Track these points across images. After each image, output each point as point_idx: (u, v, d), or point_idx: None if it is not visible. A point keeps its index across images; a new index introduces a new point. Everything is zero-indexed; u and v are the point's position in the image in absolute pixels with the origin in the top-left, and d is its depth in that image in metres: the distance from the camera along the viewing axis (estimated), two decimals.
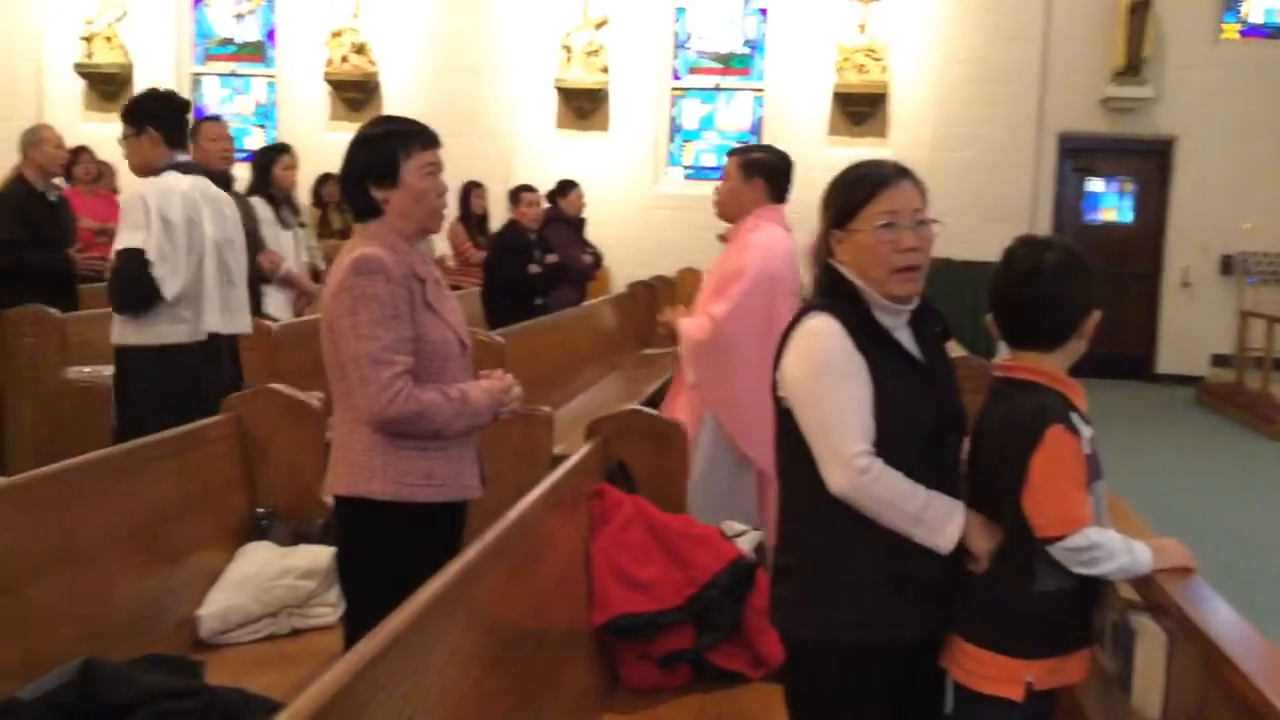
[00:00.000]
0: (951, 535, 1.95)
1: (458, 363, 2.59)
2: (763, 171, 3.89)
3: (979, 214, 9.77)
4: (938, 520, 1.95)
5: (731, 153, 4.02)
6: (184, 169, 3.98)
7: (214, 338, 3.97)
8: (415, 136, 2.55)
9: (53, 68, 11.48)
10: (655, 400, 6.88)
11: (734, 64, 11.37)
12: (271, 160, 6.13)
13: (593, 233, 8.26)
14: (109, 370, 5.46)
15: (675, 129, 11.44)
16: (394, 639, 1.82)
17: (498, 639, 2.29)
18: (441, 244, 8.67)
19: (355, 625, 2.47)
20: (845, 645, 2.00)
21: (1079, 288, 1.98)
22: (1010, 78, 10.49)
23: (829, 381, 1.97)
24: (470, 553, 2.27)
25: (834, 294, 2.05)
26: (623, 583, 2.89)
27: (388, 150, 2.51)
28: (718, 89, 11.38)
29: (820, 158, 9.08)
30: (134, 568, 2.95)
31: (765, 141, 11.05)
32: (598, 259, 8.05)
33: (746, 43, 11.33)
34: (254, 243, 5.41)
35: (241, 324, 4.20)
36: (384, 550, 2.48)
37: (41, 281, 5.51)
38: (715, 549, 3.03)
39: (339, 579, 2.69)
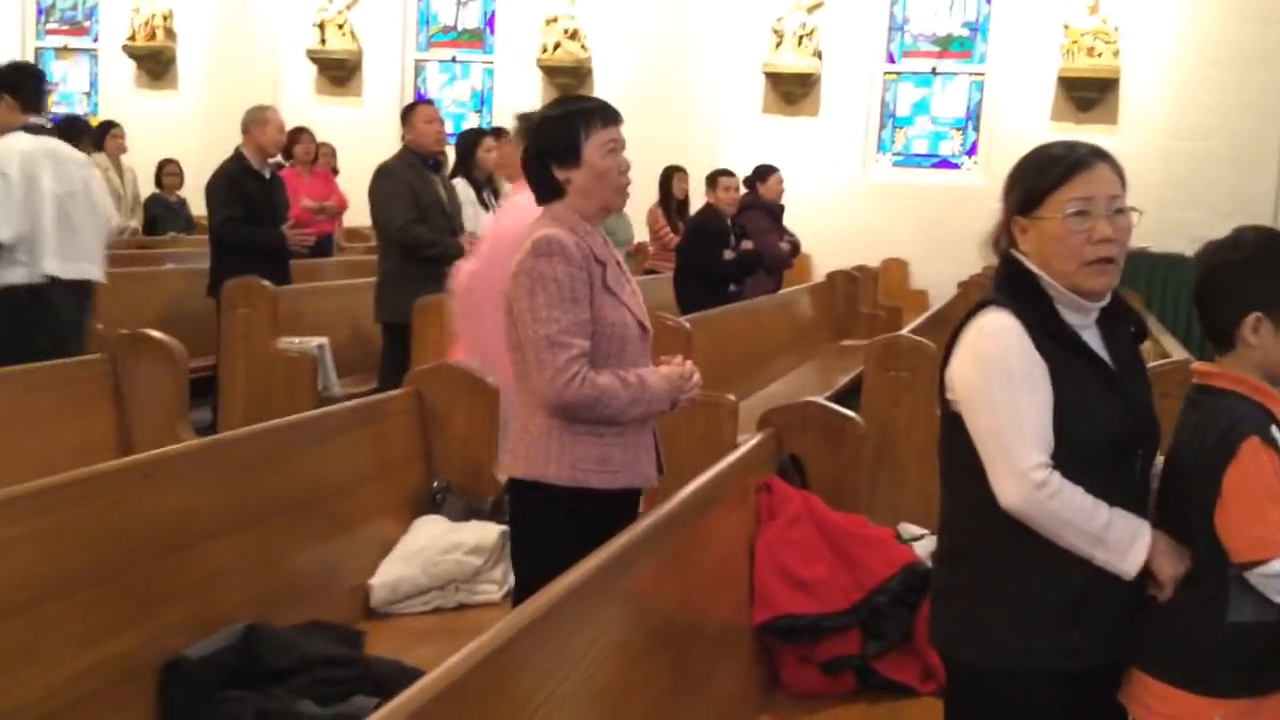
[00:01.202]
0: (1136, 558, 1.75)
1: (636, 347, 2.53)
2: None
3: (1216, 209, 9.05)
4: (1121, 541, 1.75)
5: (517, 116, 3.94)
6: (33, 130, 4.57)
7: (55, 281, 4.52)
8: (595, 114, 2.51)
9: (287, 54, 12.10)
10: (848, 394, 6.71)
11: (953, 47, 10.93)
12: (474, 143, 6.24)
13: (794, 219, 8.09)
14: (317, 340, 5.74)
15: (887, 114, 11.10)
16: (542, 614, 1.80)
17: (650, 626, 2.23)
18: (640, 228, 8.68)
19: (524, 599, 2.47)
20: (1010, 672, 1.82)
21: (1246, 285, 1.76)
22: (1256, 63, 9.67)
23: (1005, 385, 1.79)
24: (626, 537, 2.22)
25: (1013, 288, 1.87)
26: (787, 581, 2.77)
27: (568, 129, 2.48)
28: (934, 73, 10.96)
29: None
30: (312, 534, 3.03)
31: (984, 127, 10.62)
32: (795, 246, 7.88)
33: (966, 24, 10.87)
34: (456, 224, 5.53)
35: (87, 270, 4.73)
36: (556, 534, 2.45)
37: (256, 256, 5.80)
38: (887, 552, 2.88)
39: (511, 558, 2.69)
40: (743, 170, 7.56)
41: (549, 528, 2.46)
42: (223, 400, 5.67)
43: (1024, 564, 1.80)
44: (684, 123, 10.67)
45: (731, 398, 4.61)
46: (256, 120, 5.88)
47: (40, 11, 12.93)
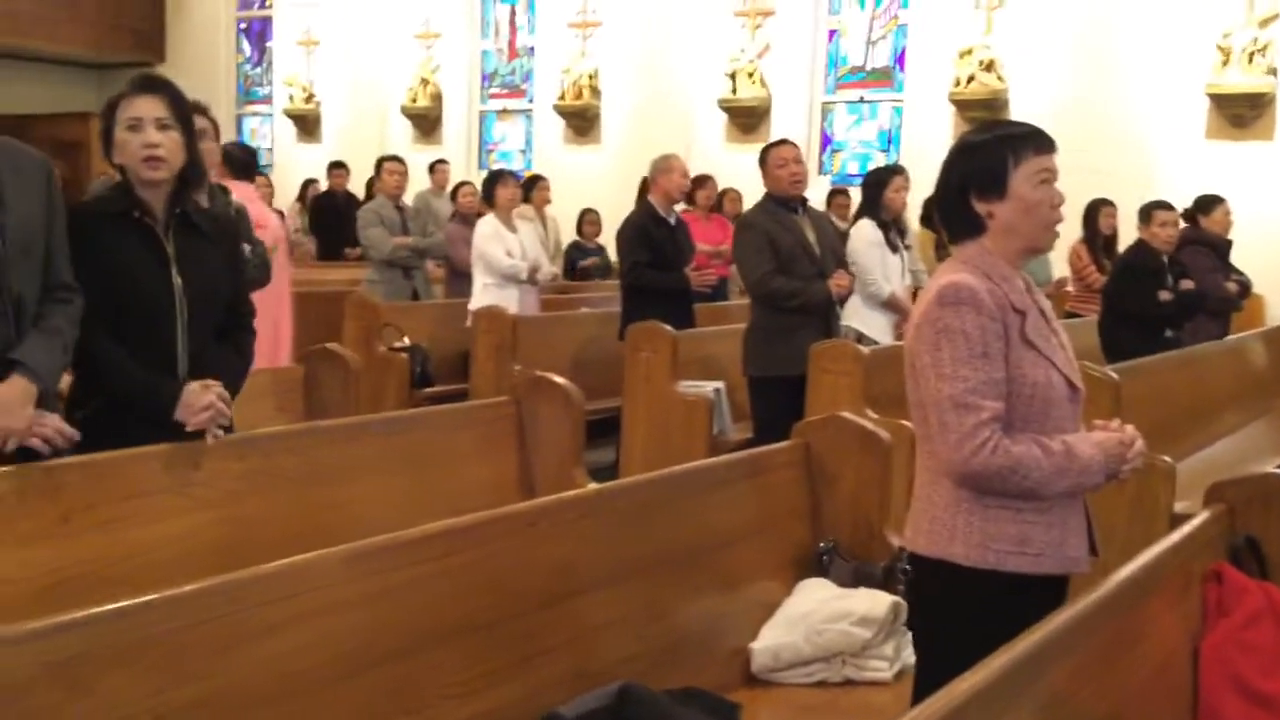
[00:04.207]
0: None
1: (1064, 409, 2.20)
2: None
3: None
4: None
5: None
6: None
7: None
8: (1027, 140, 2.23)
9: (700, 105, 12.46)
10: None
11: None
12: (884, 182, 6.01)
13: (1245, 256, 7.14)
14: (714, 385, 5.73)
15: None
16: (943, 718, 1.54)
17: None
18: (1060, 266, 8.03)
19: (923, 690, 2.22)
20: None
21: None
22: None
23: None
24: (1043, 631, 1.89)
25: None
26: (1243, 695, 2.28)
27: (994, 156, 2.21)
28: None
29: None
30: (693, 590, 2.91)
31: None
32: (1245, 287, 6.93)
33: None
34: (827, 267, 5.23)
35: None
36: (965, 622, 2.17)
37: (663, 299, 5.90)
38: None
39: (913, 643, 2.44)
40: (1180, 202, 6.76)
41: (956, 614, 2.16)
42: (625, 441, 5.79)
43: None
44: (1112, 152, 9.80)
45: (1168, 460, 4.05)
46: (662, 169, 6.03)
47: (485, 78, 14.20)
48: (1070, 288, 7.93)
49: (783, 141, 5.42)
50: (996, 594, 2.15)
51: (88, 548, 2.58)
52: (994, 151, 2.21)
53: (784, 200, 5.19)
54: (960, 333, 2.12)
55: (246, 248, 4.01)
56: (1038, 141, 2.22)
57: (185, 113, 2.86)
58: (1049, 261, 7.95)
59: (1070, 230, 7.71)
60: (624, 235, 6.18)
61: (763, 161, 5.27)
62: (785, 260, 5.08)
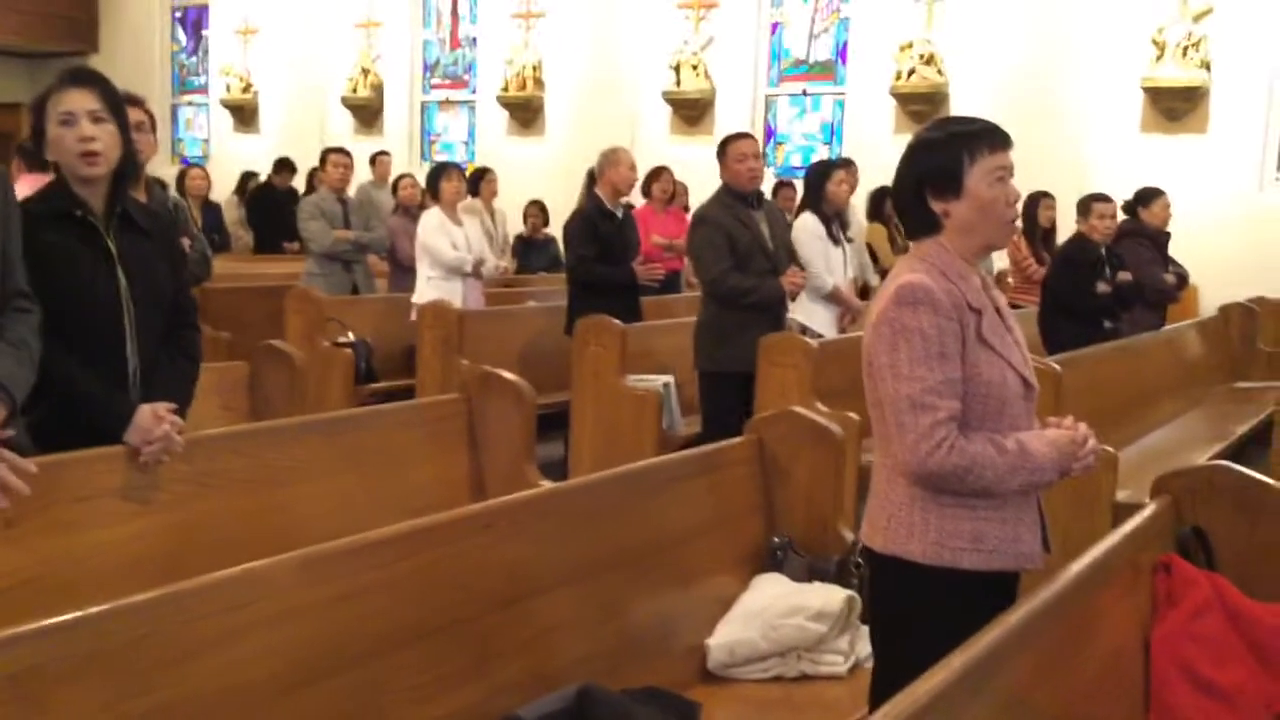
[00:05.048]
0: None
1: (1019, 406, 2.22)
2: None
3: None
4: None
5: None
6: None
7: None
8: (982, 137, 2.22)
9: (645, 97, 12.44)
10: (1245, 445, 5.88)
11: None
12: (826, 174, 6.03)
13: (1180, 248, 7.28)
14: (663, 379, 5.73)
15: None
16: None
17: None
18: (999, 258, 8.13)
19: (881, 686, 2.25)
20: None
21: None
22: None
23: None
24: (999, 629, 1.90)
25: None
26: (1194, 686, 2.32)
27: (950, 154, 2.21)
28: None
29: None
30: (649, 588, 2.91)
31: None
32: (1182, 278, 7.06)
33: None
34: (779, 263, 5.25)
35: None
36: (920, 619, 2.19)
37: (610, 293, 5.87)
38: None
39: (869, 636, 2.45)
40: (1117, 194, 6.86)
41: (912, 611, 2.18)
42: (574, 436, 5.77)
43: None
44: (1050, 145, 9.92)
45: (1109, 449, 4.11)
46: (610, 161, 5.99)
47: (427, 68, 14.05)
48: (1010, 279, 8.04)
49: (742, 135, 5.33)
50: (951, 590, 2.16)
51: (32, 553, 2.51)
52: (949, 149, 2.21)
53: (740, 194, 5.15)
54: (917, 332, 2.12)
55: (186, 242, 3.93)
56: (992, 139, 2.22)
57: (119, 104, 2.77)
58: (990, 255, 8.06)
59: None
60: (570, 229, 6.14)
61: (721, 154, 5.20)
62: (742, 257, 5.04)
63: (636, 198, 7.67)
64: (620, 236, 5.99)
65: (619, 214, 6.06)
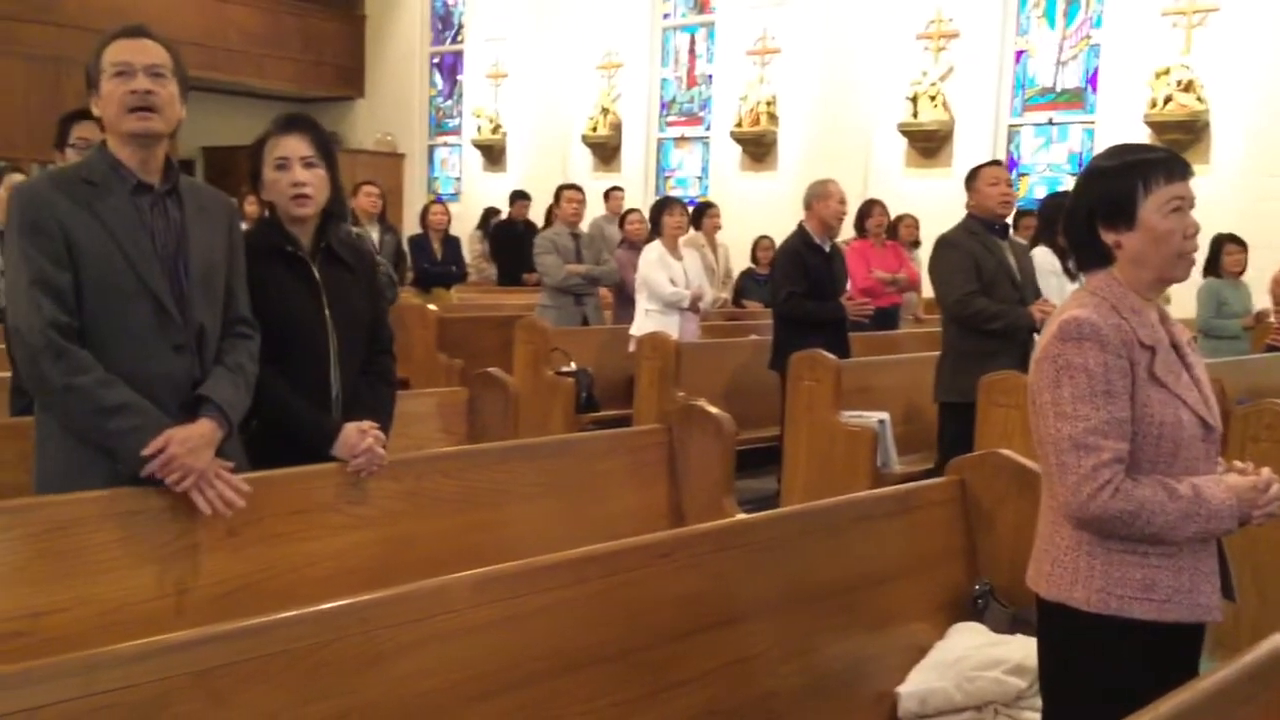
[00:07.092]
0: None
1: (1196, 449, 2.07)
2: None
3: None
4: None
5: None
6: None
7: None
8: (1159, 166, 2.11)
9: (879, 129, 12.26)
10: None
11: None
12: (1059, 208, 5.77)
13: None
14: (879, 415, 5.60)
15: None
16: None
17: None
18: (1260, 295, 7.52)
19: None
20: None
21: None
22: None
23: None
24: (1186, 694, 1.75)
25: None
26: None
27: (1124, 183, 2.12)
28: None
29: None
30: (838, 627, 2.84)
31: None
32: None
33: None
34: (1027, 294, 5.10)
35: None
36: (1087, 668, 2.08)
37: (816, 328, 5.82)
38: None
39: (1039, 686, 2.34)
40: None
41: (1079, 661, 2.06)
42: (786, 470, 5.71)
43: None
44: None
45: None
46: (818, 194, 5.94)
47: (663, 106, 14.37)
48: (1272, 319, 7.43)
49: (994, 162, 5.39)
50: (1122, 642, 2.04)
51: (250, 561, 2.71)
52: (1123, 179, 2.11)
53: (988, 222, 5.07)
54: (1081, 369, 2.02)
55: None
56: (1169, 168, 2.11)
57: (329, 149, 2.99)
58: (1248, 291, 7.47)
59: (1276, 260, 7.26)
60: (778, 264, 6.13)
61: (971, 180, 5.17)
62: (988, 284, 4.94)
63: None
64: (828, 271, 5.92)
65: (827, 248, 5.99)
